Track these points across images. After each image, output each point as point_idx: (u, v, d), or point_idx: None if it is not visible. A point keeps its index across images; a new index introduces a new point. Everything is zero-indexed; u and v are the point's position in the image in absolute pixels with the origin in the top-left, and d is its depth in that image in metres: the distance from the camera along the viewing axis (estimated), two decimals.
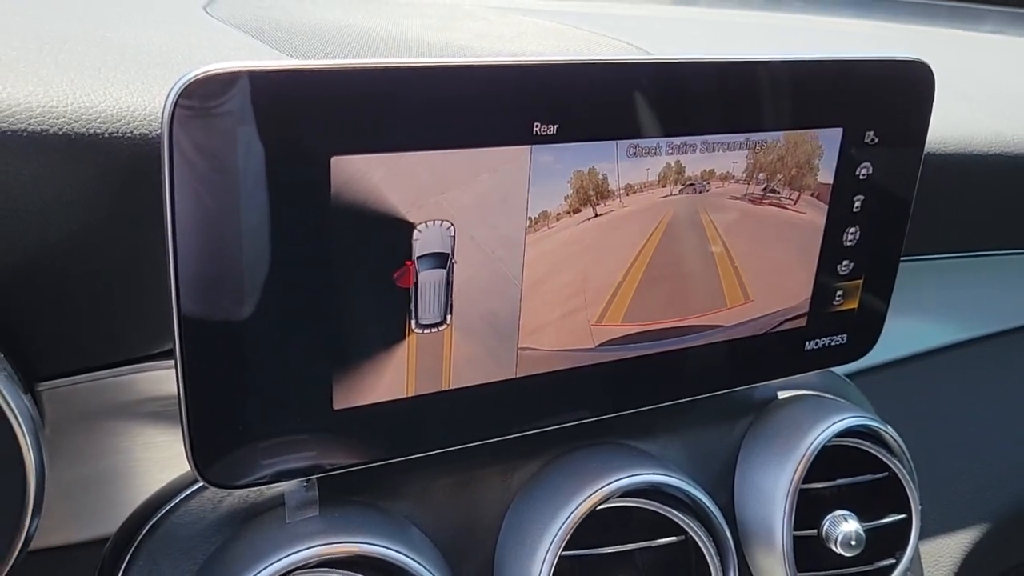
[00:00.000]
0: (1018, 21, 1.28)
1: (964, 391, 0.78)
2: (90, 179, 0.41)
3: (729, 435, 0.58)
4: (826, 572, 0.56)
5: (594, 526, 0.49)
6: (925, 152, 0.55)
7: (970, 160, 0.72)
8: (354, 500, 0.47)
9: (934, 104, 0.53)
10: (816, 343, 0.56)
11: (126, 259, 0.44)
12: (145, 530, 0.44)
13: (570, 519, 0.47)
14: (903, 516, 0.58)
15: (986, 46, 1.18)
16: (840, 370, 0.68)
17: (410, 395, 0.44)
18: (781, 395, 0.60)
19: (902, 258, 0.57)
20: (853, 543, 0.55)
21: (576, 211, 0.45)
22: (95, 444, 0.47)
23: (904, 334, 0.76)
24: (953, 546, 0.72)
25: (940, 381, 0.77)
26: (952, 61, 1.01)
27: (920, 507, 0.58)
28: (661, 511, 0.49)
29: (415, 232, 0.41)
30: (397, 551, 0.44)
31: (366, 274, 0.41)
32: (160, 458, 0.48)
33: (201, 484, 0.45)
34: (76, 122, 0.41)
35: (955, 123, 0.73)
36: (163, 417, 0.48)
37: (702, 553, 0.50)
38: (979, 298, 0.80)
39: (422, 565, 0.45)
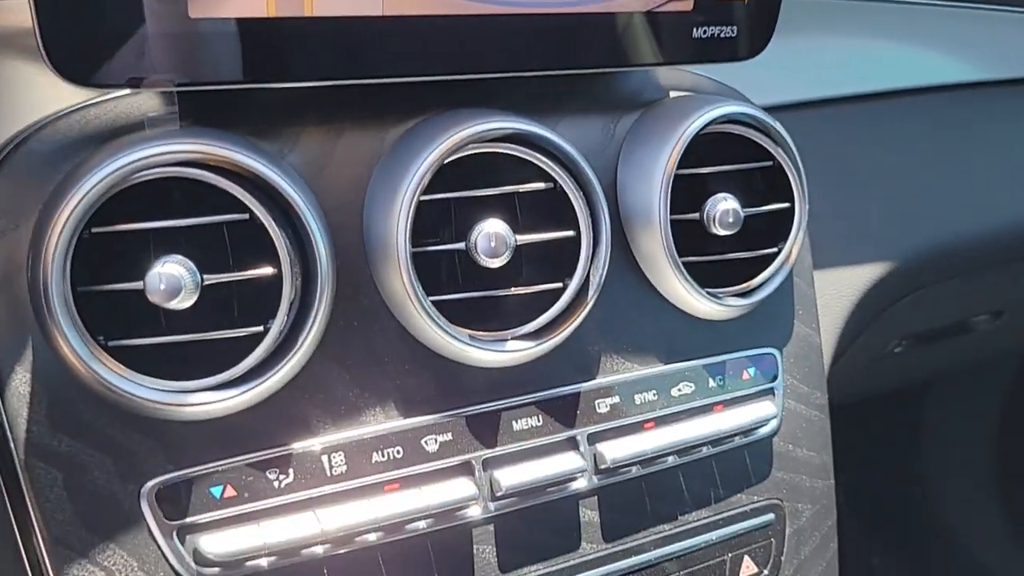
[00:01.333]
0: None
1: (882, 140, 0.78)
2: None
3: (616, 125, 0.58)
4: (707, 258, 0.57)
5: (465, 173, 0.50)
6: None
7: None
8: (224, 129, 0.47)
9: None
10: (704, 31, 0.56)
11: None
12: (10, 148, 0.45)
13: (431, 156, 0.48)
14: (787, 205, 0.58)
15: None
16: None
17: (272, 16, 0.44)
18: (673, 95, 0.60)
19: None
20: (731, 220, 0.56)
21: None
22: None
23: (824, 76, 0.76)
24: (855, 279, 0.73)
25: (857, 126, 0.77)
26: None
27: (808, 204, 0.59)
28: (528, 156, 0.50)
29: None
30: (272, 169, 0.45)
31: None
32: (37, 96, 0.48)
33: (67, 109, 0.46)
34: None
35: None
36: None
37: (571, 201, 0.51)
38: (910, 50, 0.80)
39: (297, 193, 0.45)
